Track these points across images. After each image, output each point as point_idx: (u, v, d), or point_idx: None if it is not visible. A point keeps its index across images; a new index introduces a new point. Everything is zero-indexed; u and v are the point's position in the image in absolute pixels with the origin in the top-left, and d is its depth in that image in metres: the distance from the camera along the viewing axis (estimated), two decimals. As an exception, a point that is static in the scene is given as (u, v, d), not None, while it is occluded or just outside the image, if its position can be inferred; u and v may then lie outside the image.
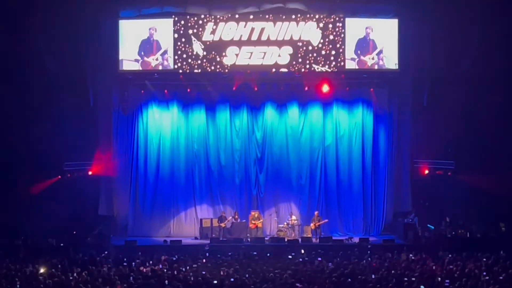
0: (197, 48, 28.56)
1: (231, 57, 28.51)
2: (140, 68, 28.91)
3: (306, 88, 30.22)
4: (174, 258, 22.97)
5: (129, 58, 28.79)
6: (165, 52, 28.74)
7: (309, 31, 28.52)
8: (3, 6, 26.44)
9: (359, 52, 28.67)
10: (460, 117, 28.50)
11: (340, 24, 28.55)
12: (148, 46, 28.80)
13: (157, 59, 28.76)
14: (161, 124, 30.98)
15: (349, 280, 18.11)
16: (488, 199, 27.92)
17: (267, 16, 28.46)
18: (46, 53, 28.08)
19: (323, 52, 28.55)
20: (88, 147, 29.87)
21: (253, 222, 29.11)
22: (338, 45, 28.54)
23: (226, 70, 28.68)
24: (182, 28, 28.54)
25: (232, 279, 18.39)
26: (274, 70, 28.75)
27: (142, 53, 28.75)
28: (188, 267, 20.64)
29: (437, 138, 29.33)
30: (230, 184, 30.92)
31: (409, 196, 30.72)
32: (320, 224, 28.82)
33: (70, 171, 29.54)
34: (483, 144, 28.31)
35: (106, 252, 24.36)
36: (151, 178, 30.76)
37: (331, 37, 28.52)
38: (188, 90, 30.33)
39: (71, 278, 18.94)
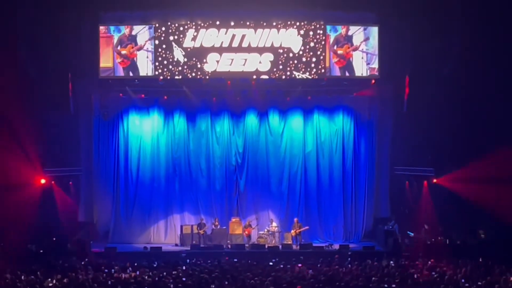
0: (178, 54, 28.53)
1: (212, 64, 28.50)
2: (117, 64, 28.65)
3: (288, 99, 30.39)
4: (154, 265, 22.91)
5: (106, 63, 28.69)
6: (140, 48, 28.66)
7: (290, 38, 28.58)
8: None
9: (335, 47, 28.74)
10: (439, 124, 28.67)
11: (321, 31, 28.63)
12: (124, 40, 28.66)
13: (132, 47, 28.62)
14: (142, 130, 30.94)
15: (329, 286, 18.14)
16: (467, 205, 28.09)
17: (248, 23, 28.48)
18: (27, 58, 27.97)
19: (304, 59, 28.61)
20: (69, 153, 29.73)
21: (245, 230, 29.19)
22: (318, 52, 28.61)
23: (207, 77, 28.67)
24: (163, 35, 28.50)
25: (212, 286, 18.37)
26: (255, 77, 28.78)
27: (118, 47, 28.60)
28: (166, 274, 20.56)
29: (417, 144, 29.49)
30: (211, 190, 30.93)
31: (388, 203, 30.87)
32: (301, 231, 28.87)
33: (50, 177, 29.37)
34: (463, 150, 28.44)
35: (86, 259, 24.24)
36: (131, 185, 30.71)
37: (312, 44, 28.60)
38: (165, 97, 30.38)
39: (50, 285, 18.84)
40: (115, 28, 28.53)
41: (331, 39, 28.66)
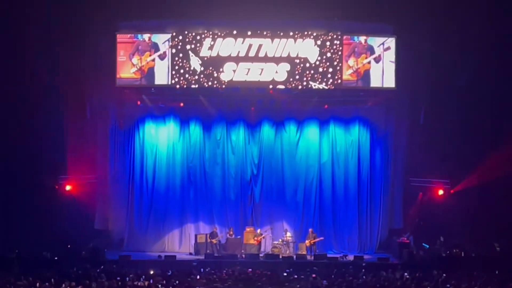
0: (195, 63, 28.58)
1: (229, 73, 28.54)
2: (132, 75, 28.77)
3: (304, 109, 30.50)
4: (169, 273, 22.93)
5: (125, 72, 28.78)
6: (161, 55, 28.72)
7: (307, 48, 28.58)
8: (2, 20, 26.58)
9: (353, 56, 28.76)
10: (456, 135, 28.62)
11: (338, 42, 28.63)
12: (141, 47, 28.73)
13: (150, 55, 28.71)
14: (158, 138, 30.97)
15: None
16: (483, 218, 27.99)
17: (265, 33, 28.52)
18: (45, 66, 28.16)
19: (320, 70, 28.60)
20: (85, 160, 29.87)
21: (255, 239, 29.07)
22: (335, 63, 28.60)
23: (223, 86, 28.71)
24: (180, 43, 28.57)
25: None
26: (271, 86, 28.80)
27: (134, 55, 28.63)
28: (179, 282, 20.56)
29: (433, 156, 29.41)
30: (226, 200, 30.89)
31: (401, 214, 30.79)
32: (315, 241, 28.80)
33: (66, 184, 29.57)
34: (479, 162, 28.36)
35: (102, 267, 24.27)
36: (146, 193, 30.74)
37: (329, 54, 28.59)
38: (181, 105, 30.35)
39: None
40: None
41: (349, 48, 28.66)
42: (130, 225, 30.56)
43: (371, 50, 28.67)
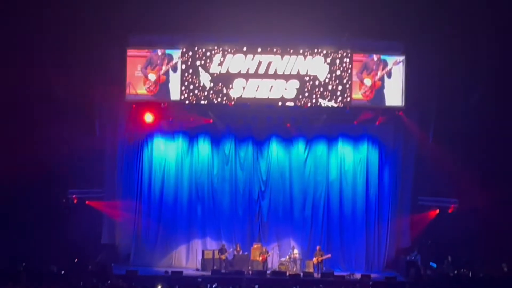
0: (204, 79, 28.67)
1: (238, 90, 28.62)
2: (145, 92, 28.87)
3: (312, 126, 30.57)
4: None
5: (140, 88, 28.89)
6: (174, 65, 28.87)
7: (316, 66, 28.66)
8: (11, 31, 26.75)
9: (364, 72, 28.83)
10: (465, 155, 28.60)
11: (347, 60, 28.69)
12: (155, 59, 28.89)
13: (162, 69, 28.82)
14: (166, 154, 30.96)
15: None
16: (491, 238, 27.95)
17: (274, 50, 28.62)
18: (54, 81, 28.26)
19: (330, 87, 28.66)
20: (93, 175, 29.95)
21: (260, 255, 28.96)
22: (344, 81, 28.65)
23: (233, 102, 28.77)
24: (190, 59, 28.67)
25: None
26: (280, 103, 28.84)
27: (147, 68, 28.81)
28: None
29: (442, 174, 29.38)
30: (233, 215, 30.83)
31: (409, 233, 30.71)
32: (323, 259, 28.73)
33: (74, 198, 29.64)
34: (488, 181, 28.34)
35: (108, 282, 24.25)
36: (154, 208, 30.69)
37: (338, 72, 28.65)
38: (191, 119, 30.35)
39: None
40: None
41: (362, 65, 28.76)
42: (137, 240, 30.50)
43: (384, 65, 28.73)
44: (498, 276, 27.20)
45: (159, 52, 28.77)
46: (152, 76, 28.67)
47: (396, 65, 28.73)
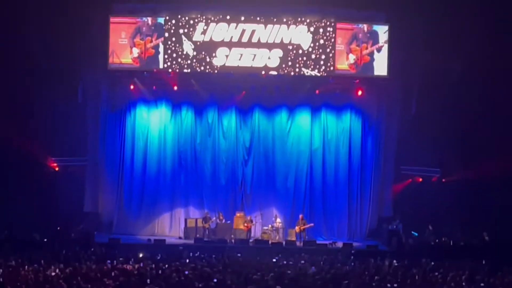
0: (188, 48, 28.57)
1: (221, 58, 28.55)
2: (131, 61, 28.78)
3: (296, 96, 30.52)
4: (158, 257, 22.93)
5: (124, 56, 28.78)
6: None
7: (300, 35, 28.60)
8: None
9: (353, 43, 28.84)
10: (447, 125, 28.70)
11: (331, 29, 28.64)
12: (144, 29, 28.76)
13: (151, 42, 28.68)
14: (149, 122, 30.92)
15: (332, 284, 18.10)
16: (472, 207, 28.14)
17: (258, 19, 28.52)
18: (37, 48, 28.07)
19: (313, 56, 28.63)
20: (76, 143, 29.87)
21: (245, 225, 29.06)
22: (328, 50, 28.63)
23: (216, 71, 28.70)
24: (173, 28, 28.54)
25: (215, 280, 18.36)
26: (263, 72, 28.81)
27: (136, 38, 28.68)
28: (167, 266, 20.54)
29: (424, 145, 29.48)
30: (216, 184, 30.88)
31: (391, 202, 30.88)
32: (305, 228, 28.84)
33: (56, 166, 29.59)
34: (470, 151, 28.49)
35: (91, 249, 24.27)
36: (137, 177, 30.70)
37: (321, 41, 28.61)
38: (175, 87, 30.22)
39: (53, 273, 18.87)
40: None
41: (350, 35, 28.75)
42: (120, 208, 30.55)
43: (375, 40, 28.71)
44: (479, 245, 27.40)
45: (149, 21, 28.59)
46: (138, 49, 28.53)
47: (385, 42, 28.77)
